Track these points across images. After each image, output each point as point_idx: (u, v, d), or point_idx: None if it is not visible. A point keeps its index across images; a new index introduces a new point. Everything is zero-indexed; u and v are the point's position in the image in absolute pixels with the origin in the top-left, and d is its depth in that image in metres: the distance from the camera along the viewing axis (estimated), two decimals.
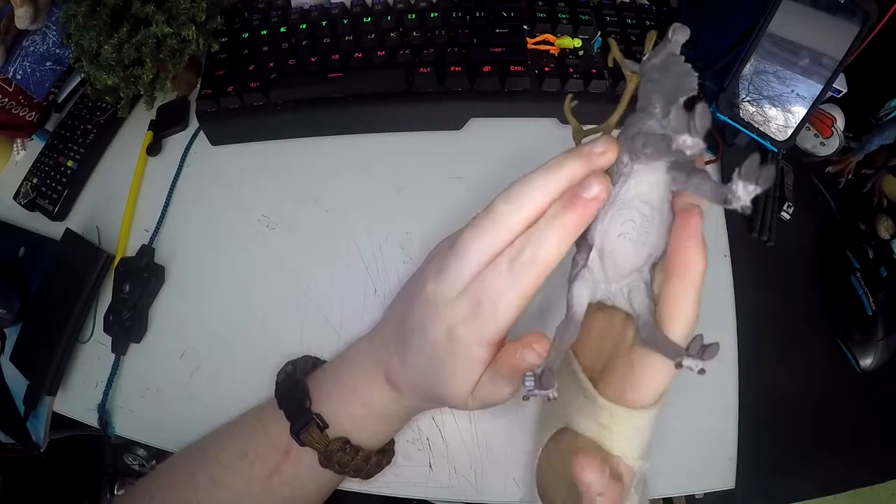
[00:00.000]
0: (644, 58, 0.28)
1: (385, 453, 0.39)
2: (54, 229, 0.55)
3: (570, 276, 0.28)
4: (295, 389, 0.37)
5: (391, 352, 0.34)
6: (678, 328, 0.26)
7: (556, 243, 0.26)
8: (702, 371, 0.25)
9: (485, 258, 0.27)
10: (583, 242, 0.28)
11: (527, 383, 0.26)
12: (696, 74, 0.26)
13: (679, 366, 0.25)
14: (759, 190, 0.21)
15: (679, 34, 0.27)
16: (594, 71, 0.52)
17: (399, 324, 0.33)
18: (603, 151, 0.26)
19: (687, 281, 0.26)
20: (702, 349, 0.25)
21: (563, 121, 0.52)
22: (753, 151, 0.23)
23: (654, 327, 0.26)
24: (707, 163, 0.50)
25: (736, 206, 0.22)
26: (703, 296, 0.45)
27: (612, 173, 0.27)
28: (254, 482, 0.36)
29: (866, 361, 0.46)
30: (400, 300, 0.36)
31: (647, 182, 0.26)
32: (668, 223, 0.27)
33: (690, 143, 0.22)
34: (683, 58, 0.27)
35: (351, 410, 0.36)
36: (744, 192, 0.21)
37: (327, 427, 0.35)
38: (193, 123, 0.57)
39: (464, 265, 0.28)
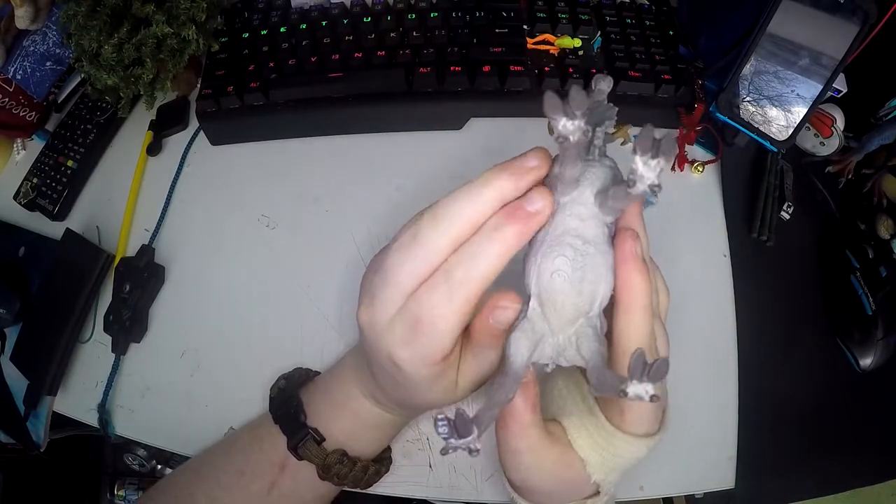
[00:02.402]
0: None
1: (382, 462, 0.39)
2: (54, 229, 0.55)
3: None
4: (290, 404, 0.37)
5: (367, 373, 0.33)
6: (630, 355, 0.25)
7: (495, 257, 0.24)
8: (653, 398, 0.21)
9: (416, 281, 0.26)
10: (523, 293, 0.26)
11: (440, 428, 0.22)
12: (616, 108, 0.25)
13: (624, 394, 0.21)
14: (662, 162, 0.19)
15: (601, 83, 0.25)
16: (594, 71, 0.52)
17: (361, 346, 0.32)
18: (535, 165, 0.25)
19: (630, 304, 0.25)
20: (644, 368, 0.21)
21: None
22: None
23: (603, 369, 0.24)
24: (707, 163, 0.50)
25: (643, 187, 0.20)
26: (702, 296, 0.45)
27: None
28: (253, 499, 0.36)
29: (866, 361, 0.46)
30: None
31: (576, 216, 0.24)
32: (611, 261, 0.25)
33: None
34: (605, 100, 0.26)
35: (343, 424, 0.36)
36: (645, 169, 0.20)
37: (324, 441, 0.35)
38: (193, 123, 0.57)
39: (395, 290, 0.26)
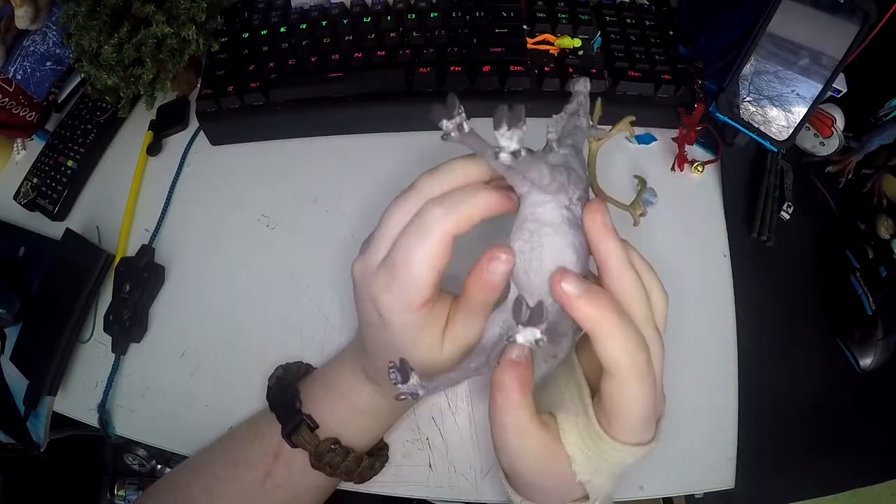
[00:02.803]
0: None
1: (378, 457, 0.39)
2: (54, 229, 0.55)
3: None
4: (286, 392, 0.38)
5: (361, 349, 0.34)
6: (633, 308, 0.26)
7: (470, 208, 0.26)
8: (539, 342, 0.23)
9: (403, 225, 0.28)
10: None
11: (391, 375, 0.26)
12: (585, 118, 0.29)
13: (513, 340, 0.24)
14: (516, 132, 0.22)
15: (577, 85, 0.29)
16: (594, 70, 0.52)
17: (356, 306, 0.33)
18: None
19: (607, 266, 0.26)
20: (525, 313, 0.23)
21: None
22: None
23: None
24: (707, 163, 0.50)
25: (505, 156, 0.23)
26: (702, 296, 0.45)
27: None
28: (248, 489, 0.36)
29: (866, 361, 0.46)
30: None
31: (532, 203, 0.26)
32: (573, 239, 0.26)
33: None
34: (578, 107, 0.29)
35: (336, 409, 0.36)
36: (504, 140, 0.22)
37: (318, 427, 0.36)
38: (193, 123, 0.57)
39: (384, 238, 0.28)
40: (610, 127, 0.31)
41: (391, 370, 0.26)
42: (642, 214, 0.31)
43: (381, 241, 0.28)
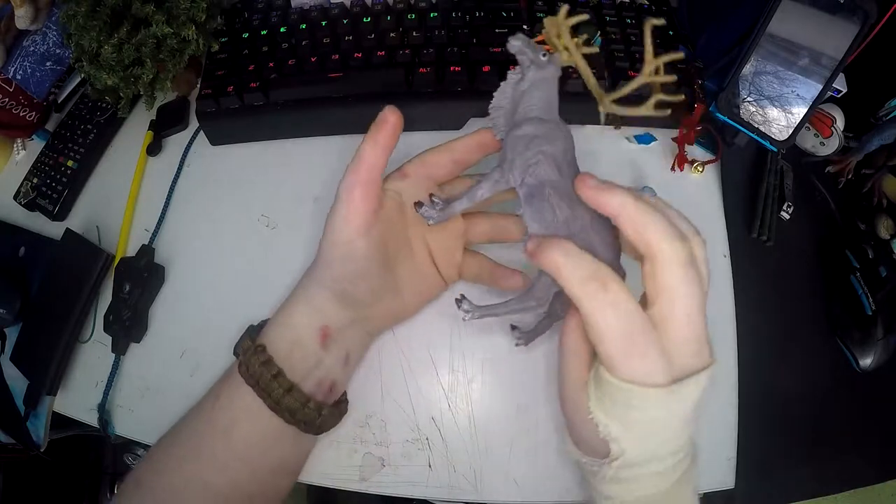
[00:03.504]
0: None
1: (311, 391, 0.36)
2: (54, 229, 0.55)
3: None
4: (261, 324, 0.39)
5: (315, 264, 0.39)
6: (666, 252, 0.27)
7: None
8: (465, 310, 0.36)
9: None
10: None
11: (457, 305, 0.37)
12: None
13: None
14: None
15: (511, 42, 0.36)
16: (594, 70, 0.52)
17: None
18: None
19: (620, 209, 0.28)
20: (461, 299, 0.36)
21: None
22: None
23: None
24: (707, 163, 0.50)
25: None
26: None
27: None
28: (201, 416, 0.37)
29: (866, 361, 0.46)
30: None
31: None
32: (525, 211, 0.34)
33: None
34: (524, 72, 0.37)
35: (277, 329, 0.37)
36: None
37: (257, 338, 0.36)
38: (193, 123, 0.57)
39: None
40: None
41: (457, 300, 0.36)
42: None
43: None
